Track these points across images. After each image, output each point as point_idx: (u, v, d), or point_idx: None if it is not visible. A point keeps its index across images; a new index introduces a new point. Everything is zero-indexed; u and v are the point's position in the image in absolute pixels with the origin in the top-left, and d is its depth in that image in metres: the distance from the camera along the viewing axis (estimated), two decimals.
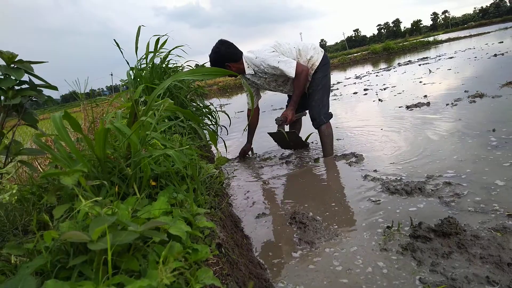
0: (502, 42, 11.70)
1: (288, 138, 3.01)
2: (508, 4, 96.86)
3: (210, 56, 2.92)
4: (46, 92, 1.33)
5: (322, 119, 2.84)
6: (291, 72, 2.70)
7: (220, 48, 2.88)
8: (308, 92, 2.94)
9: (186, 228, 0.98)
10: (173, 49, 3.29)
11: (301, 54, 2.85)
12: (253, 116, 3.32)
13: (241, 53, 2.92)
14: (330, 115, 2.90)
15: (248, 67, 2.90)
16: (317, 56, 2.87)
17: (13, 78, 1.08)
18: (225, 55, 2.86)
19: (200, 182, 1.59)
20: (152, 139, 1.59)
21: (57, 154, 1.31)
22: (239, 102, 10.14)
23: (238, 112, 7.31)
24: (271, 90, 3.15)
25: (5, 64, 1.16)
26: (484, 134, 2.66)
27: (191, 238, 1.12)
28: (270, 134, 3.22)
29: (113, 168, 1.43)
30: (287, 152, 3.40)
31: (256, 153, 3.53)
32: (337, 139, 3.42)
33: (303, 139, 3.33)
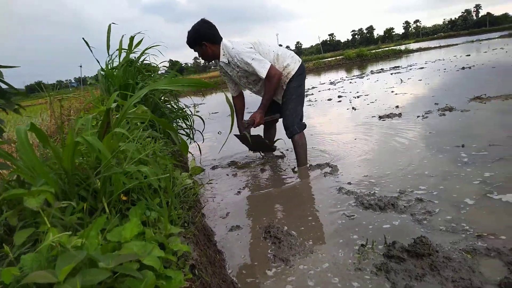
0: (469, 55, 12.19)
1: (251, 142, 2.98)
2: (475, 18, 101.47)
3: (188, 32, 2.79)
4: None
5: (295, 129, 2.82)
6: (263, 73, 2.65)
7: (201, 26, 2.77)
8: (282, 100, 2.92)
9: (160, 253, 0.92)
10: (148, 48, 3.19)
11: (279, 59, 2.81)
12: (237, 102, 3.23)
13: (221, 38, 2.81)
14: (304, 126, 2.90)
15: (224, 55, 2.81)
16: (294, 65, 2.84)
17: None
18: (205, 35, 2.75)
19: (174, 196, 1.52)
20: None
21: (20, 163, 1.22)
22: (213, 102, 10.04)
23: (212, 113, 7.24)
24: (242, 86, 3.11)
25: None
26: (454, 150, 2.73)
27: (164, 262, 1.06)
28: (237, 136, 3.17)
29: (81, 181, 1.35)
30: (262, 159, 3.38)
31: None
32: (312, 147, 3.42)
33: (273, 143, 3.32)
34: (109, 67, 2.93)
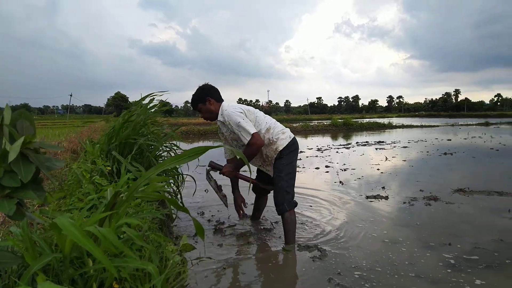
0: (450, 140, 12.79)
1: (212, 185, 3.25)
2: (454, 101, 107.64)
3: (194, 92, 2.96)
4: None
5: (285, 207, 2.82)
6: (245, 138, 2.69)
7: (207, 85, 2.98)
8: (273, 176, 2.94)
9: None
10: (158, 109, 3.29)
11: (269, 131, 2.87)
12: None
13: (223, 100, 2.96)
14: (294, 204, 2.89)
15: (221, 114, 2.88)
16: (283, 141, 2.86)
17: (19, 177, 0.91)
18: (208, 92, 2.92)
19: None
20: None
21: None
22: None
23: (200, 166, 7.16)
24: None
25: (19, 147, 0.92)
26: (439, 248, 2.76)
27: None
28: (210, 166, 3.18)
29: (73, 259, 1.29)
30: (247, 226, 3.33)
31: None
32: (301, 223, 3.40)
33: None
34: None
